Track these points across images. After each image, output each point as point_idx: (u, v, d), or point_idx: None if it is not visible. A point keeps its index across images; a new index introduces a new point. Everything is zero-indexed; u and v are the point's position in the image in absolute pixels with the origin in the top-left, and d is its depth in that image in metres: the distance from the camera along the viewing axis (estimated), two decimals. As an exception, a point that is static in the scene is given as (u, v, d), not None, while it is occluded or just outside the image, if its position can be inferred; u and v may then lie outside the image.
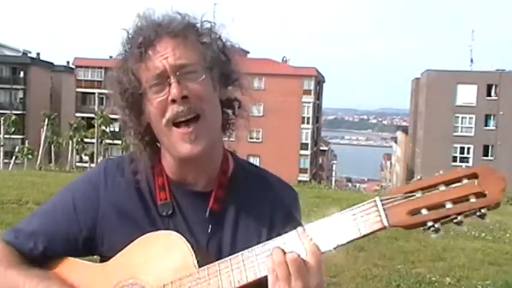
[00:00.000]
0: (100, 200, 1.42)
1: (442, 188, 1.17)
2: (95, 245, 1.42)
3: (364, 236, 1.20)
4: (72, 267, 1.42)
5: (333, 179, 61.68)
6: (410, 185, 1.19)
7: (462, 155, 48.66)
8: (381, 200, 1.19)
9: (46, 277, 1.37)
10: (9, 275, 1.37)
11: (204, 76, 1.34)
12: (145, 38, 1.33)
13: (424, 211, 1.16)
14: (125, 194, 1.43)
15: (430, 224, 1.16)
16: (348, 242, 1.21)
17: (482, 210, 1.15)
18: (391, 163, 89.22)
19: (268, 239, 1.38)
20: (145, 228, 1.38)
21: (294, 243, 1.23)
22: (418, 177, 1.20)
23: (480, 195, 1.15)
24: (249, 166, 1.54)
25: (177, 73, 1.32)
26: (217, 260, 1.33)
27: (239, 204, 1.44)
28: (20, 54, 58.85)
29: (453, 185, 1.17)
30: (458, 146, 48.58)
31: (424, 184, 1.18)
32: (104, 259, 1.42)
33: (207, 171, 1.43)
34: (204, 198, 1.43)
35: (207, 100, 1.35)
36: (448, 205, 1.15)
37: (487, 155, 48.33)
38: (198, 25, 1.40)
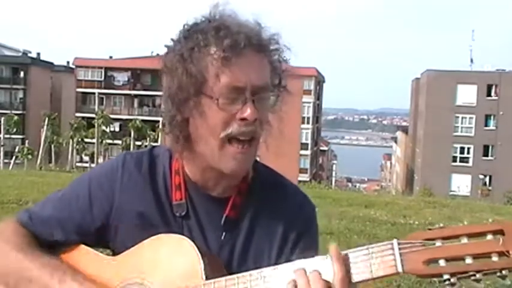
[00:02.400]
0: (115, 195, 1.41)
1: (464, 240, 1.11)
2: (107, 238, 1.42)
3: (375, 278, 1.14)
4: (82, 256, 1.42)
5: (333, 179, 61.72)
6: (431, 232, 1.13)
7: (462, 155, 48.68)
8: (399, 244, 1.13)
9: (59, 267, 1.35)
10: (16, 257, 1.35)
11: (273, 102, 1.33)
12: (235, 42, 1.25)
13: (441, 262, 1.11)
14: (141, 191, 1.41)
15: (446, 276, 1.10)
16: (357, 282, 1.16)
17: (504, 272, 1.08)
18: (391, 163, 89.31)
19: (278, 253, 1.39)
20: (158, 226, 1.37)
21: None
22: (441, 224, 1.15)
23: (503, 254, 1.08)
24: (268, 172, 1.50)
25: (256, 94, 1.28)
26: (226, 268, 1.33)
27: (255, 213, 1.42)
28: (20, 54, 58.91)
29: (476, 239, 1.11)
30: (458, 146, 48.58)
31: (446, 233, 1.13)
32: (114, 253, 1.42)
33: (229, 179, 1.40)
34: (221, 204, 1.40)
35: (265, 125, 1.34)
36: (468, 260, 1.09)
37: (487, 155, 48.35)
38: (272, 42, 1.34)
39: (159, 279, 1.31)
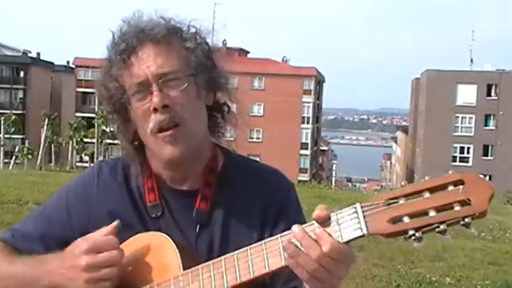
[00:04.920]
0: (92, 203, 1.46)
1: (427, 195, 1.12)
2: None
3: (345, 242, 1.16)
4: None
5: (333, 178, 61.57)
6: (394, 191, 1.14)
7: (462, 155, 48.65)
8: (362, 207, 1.15)
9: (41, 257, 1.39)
10: (3, 266, 1.40)
11: (186, 84, 1.35)
12: (127, 44, 1.34)
13: (405, 219, 1.11)
14: (117, 197, 1.46)
15: (411, 232, 1.11)
16: None
17: (467, 220, 1.08)
18: (391, 163, 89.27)
19: (260, 238, 1.39)
20: (136, 230, 1.41)
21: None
22: (403, 183, 1.16)
23: (465, 203, 1.08)
24: (241, 160, 1.53)
25: (159, 81, 1.33)
26: (207, 260, 1.34)
27: (229, 202, 1.44)
28: (20, 54, 58.84)
29: (438, 192, 1.11)
30: (458, 146, 48.56)
31: (408, 191, 1.13)
32: None
33: (193, 171, 1.45)
34: (192, 197, 1.44)
35: (188, 108, 1.36)
36: (432, 213, 1.10)
37: (487, 155, 48.32)
38: (183, 29, 1.40)
39: (139, 276, 1.34)
